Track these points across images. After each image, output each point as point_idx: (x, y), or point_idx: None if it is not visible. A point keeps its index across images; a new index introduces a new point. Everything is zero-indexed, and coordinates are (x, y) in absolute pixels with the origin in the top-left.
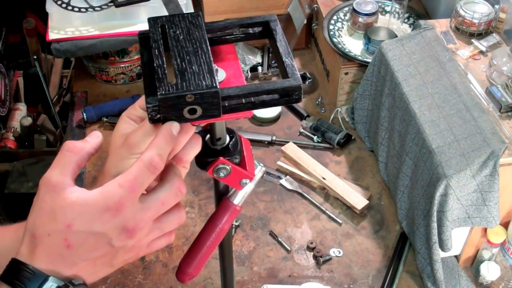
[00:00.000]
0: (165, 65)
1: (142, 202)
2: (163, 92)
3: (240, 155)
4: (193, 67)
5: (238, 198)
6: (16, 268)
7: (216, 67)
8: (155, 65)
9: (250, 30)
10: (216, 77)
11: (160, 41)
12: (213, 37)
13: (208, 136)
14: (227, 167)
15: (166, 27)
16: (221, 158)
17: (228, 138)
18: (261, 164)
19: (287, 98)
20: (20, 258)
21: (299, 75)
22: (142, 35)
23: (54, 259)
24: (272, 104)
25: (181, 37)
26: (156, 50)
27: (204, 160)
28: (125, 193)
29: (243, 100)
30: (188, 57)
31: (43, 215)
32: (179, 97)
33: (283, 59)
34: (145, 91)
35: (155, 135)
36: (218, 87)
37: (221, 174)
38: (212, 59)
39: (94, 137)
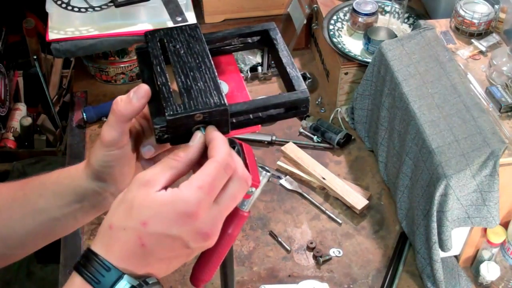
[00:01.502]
0: (169, 83)
1: (217, 203)
2: (171, 113)
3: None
4: (199, 84)
5: (246, 205)
6: (91, 260)
7: (220, 81)
8: (158, 83)
9: (249, 40)
10: (223, 93)
11: (161, 56)
12: (212, 48)
13: None
14: None
15: (165, 41)
16: None
17: None
18: (266, 168)
19: (294, 111)
20: (95, 249)
21: (305, 87)
22: (140, 50)
23: (129, 256)
24: (280, 118)
25: (182, 52)
26: (158, 67)
27: None
28: (204, 196)
29: (251, 116)
30: (192, 73)
31: (122, 206)
32: (188, 117)
33: (288, 71)
34: (150, 110)
35: (215, 139)
36: (226, 104)
37: None
38: (216, 74)
39: (195, 142)
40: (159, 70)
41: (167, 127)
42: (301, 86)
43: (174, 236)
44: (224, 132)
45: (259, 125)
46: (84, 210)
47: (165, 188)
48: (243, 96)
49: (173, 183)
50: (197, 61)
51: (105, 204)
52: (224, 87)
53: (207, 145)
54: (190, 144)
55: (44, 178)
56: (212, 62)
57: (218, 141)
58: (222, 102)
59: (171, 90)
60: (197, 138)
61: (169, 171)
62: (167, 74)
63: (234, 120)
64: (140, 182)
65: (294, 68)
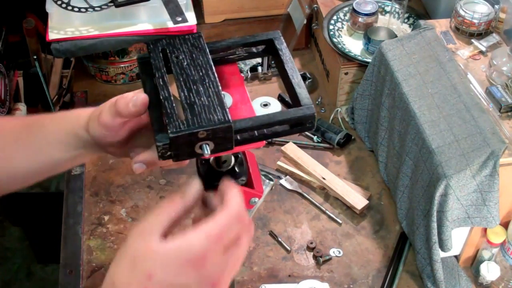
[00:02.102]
0: (172, 98)
1: (225, 252)
2: (174, 130)
3: (246, 175)
4: (202, 99)
5: (248, 214)
6: None
7: (223, 93)
8: (161, 97)
9: (254, 49)
10: (227, 110)
11: (163, 68)
12: (215, 57)
13: (212, 158)
14: None
15: (168, 51)
16: None
17: (233, 159)
18: (270, 176)
19: (300, 127)
20: None
21: (311, 102)
22: (142, 60)
23: None
24: (285, 134)
25: (185, 64)
26: (161, 80)
27: (209, 184)
28: (211, 245)
29: (256, 133)
30: (195, 87)
31: (124, 261)
32: (191, 135)
33: (293, 85)
34: (152, 125)
35: (230, 189)
36: (231, 121)
37: None
38: (220, 87)
39: (193, 187)
40: (161, 83)
41: (170, 145)
42: (307, 101)
43: (181, 284)
44: (228, 148)
45: (264, 142)
46: (82, 155)
47: (165, 235)
48: (247, 109)
49: (170, 226)
50: (201, 73)
51: (101, 152)
52: (228, 100)
53: (221, 193)
54: (188, 191)
55: (46, 121)
56: (216, 75)
57: (233, 192)
58: (226, 119)
59: (174, 105)
60: (195, 186)
61: (165, 218)
62: (169, 88)
63: (238, 137)
64: (137, 233)
65: (300, 83)
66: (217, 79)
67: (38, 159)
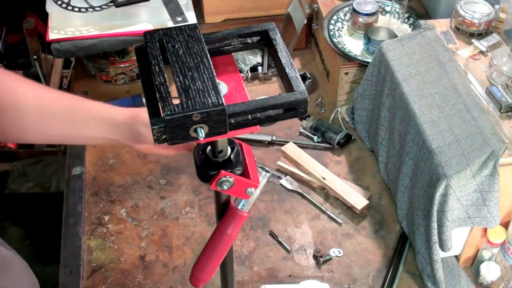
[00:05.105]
0: (167, 83)
1: None
2: (169, 113)
3: (242, 165)
4: (197, 84)
5: (245, 205)
6: None
7: (218, 81)
8: (156, 83)
9: (249, 40)
10: (221, 94)
11: (159, 56)
12: (211, 48)
13: (209, 148)
14: (230, 179)
15: (164, 41)
16: (222, 171)
17: (229, 150)
18: (266, 168)
19: (293, 111)
20: None
21: (304, 88)
22: (139, 50)
23: None
24: (278, 119)
25: (181, 52)
26: (157, 67)
27: (206, 173)
28: None
29: (249, 116)
30: (190, 73)
31: None
32: (185, 117)
33: (287, 71)
34: (149, 110)
35: None
36: (224, 104)
37: (225, 187)
38: (215, 74)
39: None
40: (157, 70)
41: (165, 127)
42: (300, 87)
43: None
44: (222, 132)
45: (257, 127)
46: (105, 142)
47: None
48: (242, 96)
49: None
50: (196, 61)
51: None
52: (223, 88)
53: None
54: None
55: (90, 107)
56: (211, 62)
57: None
58: (220, 102)
59: (169, 90)
60: None
61: None
62: (165, 74)
63: (232, 121)
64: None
65: (293, 69)
66: (211, 66)
67: (72, 135)
